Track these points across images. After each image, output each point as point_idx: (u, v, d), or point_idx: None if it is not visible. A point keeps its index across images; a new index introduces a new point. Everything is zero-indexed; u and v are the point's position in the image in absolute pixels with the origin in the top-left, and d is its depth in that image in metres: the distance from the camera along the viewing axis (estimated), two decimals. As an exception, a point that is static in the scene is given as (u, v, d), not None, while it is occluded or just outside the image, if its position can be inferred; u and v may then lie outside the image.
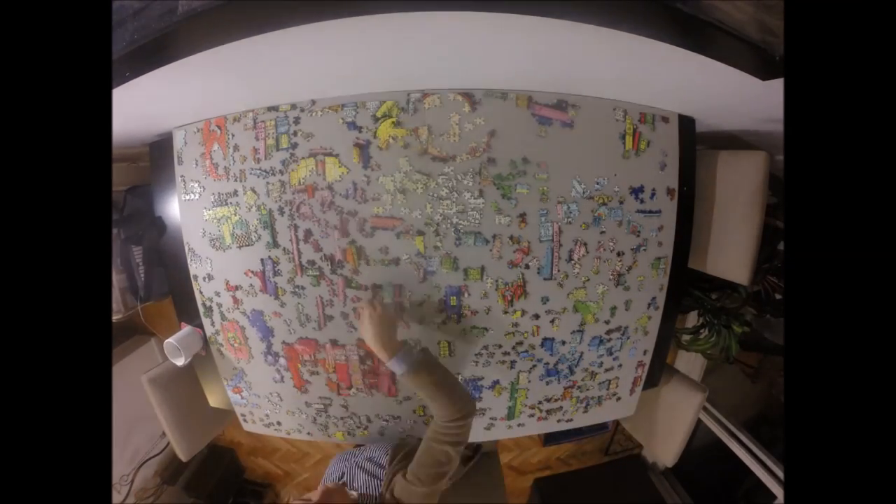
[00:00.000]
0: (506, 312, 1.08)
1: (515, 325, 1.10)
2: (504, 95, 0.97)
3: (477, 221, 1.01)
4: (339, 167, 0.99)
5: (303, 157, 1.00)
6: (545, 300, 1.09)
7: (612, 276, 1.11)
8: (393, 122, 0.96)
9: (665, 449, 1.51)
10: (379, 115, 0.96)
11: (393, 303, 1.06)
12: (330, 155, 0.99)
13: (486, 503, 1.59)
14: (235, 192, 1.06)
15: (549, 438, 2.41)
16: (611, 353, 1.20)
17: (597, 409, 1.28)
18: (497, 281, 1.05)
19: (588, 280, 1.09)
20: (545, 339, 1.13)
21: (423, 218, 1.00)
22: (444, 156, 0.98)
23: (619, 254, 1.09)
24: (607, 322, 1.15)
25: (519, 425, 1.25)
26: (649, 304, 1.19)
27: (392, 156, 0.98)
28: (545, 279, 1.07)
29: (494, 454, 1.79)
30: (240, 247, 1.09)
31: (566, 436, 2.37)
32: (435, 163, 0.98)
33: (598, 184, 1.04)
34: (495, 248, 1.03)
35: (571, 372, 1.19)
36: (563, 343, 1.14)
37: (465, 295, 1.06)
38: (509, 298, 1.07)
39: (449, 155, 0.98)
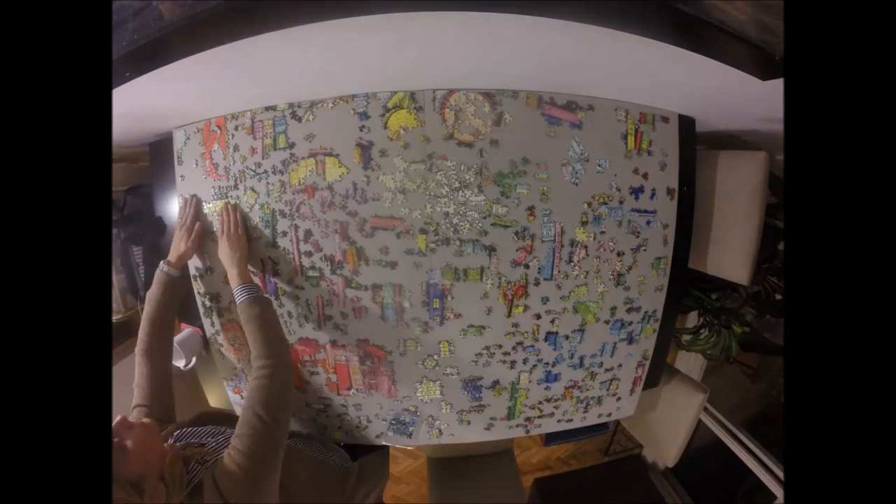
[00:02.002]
0: (509, 315, 1.09)
1: (516, 325, 1.10)
2: (515, 94, 0.97)
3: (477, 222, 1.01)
4: (339, 167, 0.99)
5: (303, 157, 1.00)
6: (545, 300, 1.09)
7: (612, 277, 1.11)
8: (405, 113, 0.96)
9: (665, 449, 1.51)
10: (390, 105, 0.96)
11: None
12: (330, 155, 0.99)
13: (502, 502, 1.59)
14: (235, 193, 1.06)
15: (550, 438, 2.41)
16: (630, 339, 1.19)
17: (597, 408, 1.29)
18: (500, 279, 1.05)
19: (587, 280, 1.09)
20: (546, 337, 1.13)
21: (424, 218, 1.00)
22: (470, 140, 0.97)
23: (619, 254, 1.10)
24: (607, 322, 1.15)
25: (517, 425, 1.25)
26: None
27: (394, 154, 0.98)
28: (545, 279, 1.07)
29: (510, 452, 1.79)
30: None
31: (566, 436, 2.37)
32: (461, 148, 0.97)
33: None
34: (493, 264, 1.03)
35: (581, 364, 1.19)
36: (567, 337, 1.14)
37: (449, 298, 1.06)
38: (510, 298, 1.07)
39: (471, 140, 0.98)
